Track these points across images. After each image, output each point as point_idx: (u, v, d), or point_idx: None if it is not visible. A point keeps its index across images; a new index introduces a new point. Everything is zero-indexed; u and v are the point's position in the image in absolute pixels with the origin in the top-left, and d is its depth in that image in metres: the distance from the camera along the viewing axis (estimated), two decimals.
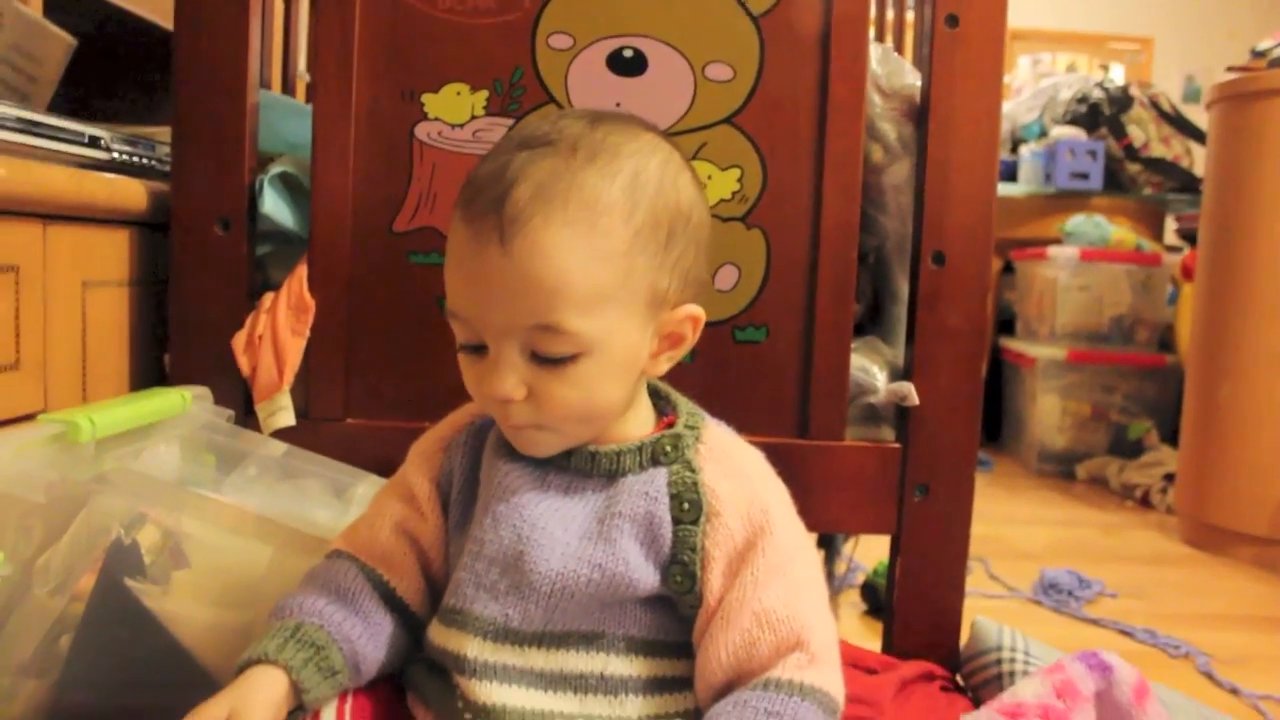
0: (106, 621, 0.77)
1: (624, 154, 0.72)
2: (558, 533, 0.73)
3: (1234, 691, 1.43)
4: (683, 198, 0.75)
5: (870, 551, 1.75)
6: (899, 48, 1.58)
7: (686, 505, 0.74)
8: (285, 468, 0.98)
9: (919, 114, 1.12)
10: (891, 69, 1.13)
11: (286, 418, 1.06)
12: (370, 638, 0.75)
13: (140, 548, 0.81)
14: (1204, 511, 2.26)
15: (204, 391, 1.04)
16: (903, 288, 1.16)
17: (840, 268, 1.09)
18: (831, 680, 0.71)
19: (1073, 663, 0.74)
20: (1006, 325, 3.37)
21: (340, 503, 0.96)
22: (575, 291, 0.69)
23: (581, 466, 0.76)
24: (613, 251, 0.70)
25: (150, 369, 1.14)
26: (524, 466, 0.76)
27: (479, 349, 0.73)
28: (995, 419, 3.32)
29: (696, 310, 0.77)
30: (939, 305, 1.09)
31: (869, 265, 1.21)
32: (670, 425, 0.79)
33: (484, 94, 1.08)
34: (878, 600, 1.71)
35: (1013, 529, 2.35)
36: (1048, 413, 3.03)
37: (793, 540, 0.75)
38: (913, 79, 1.13)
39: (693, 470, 0.75)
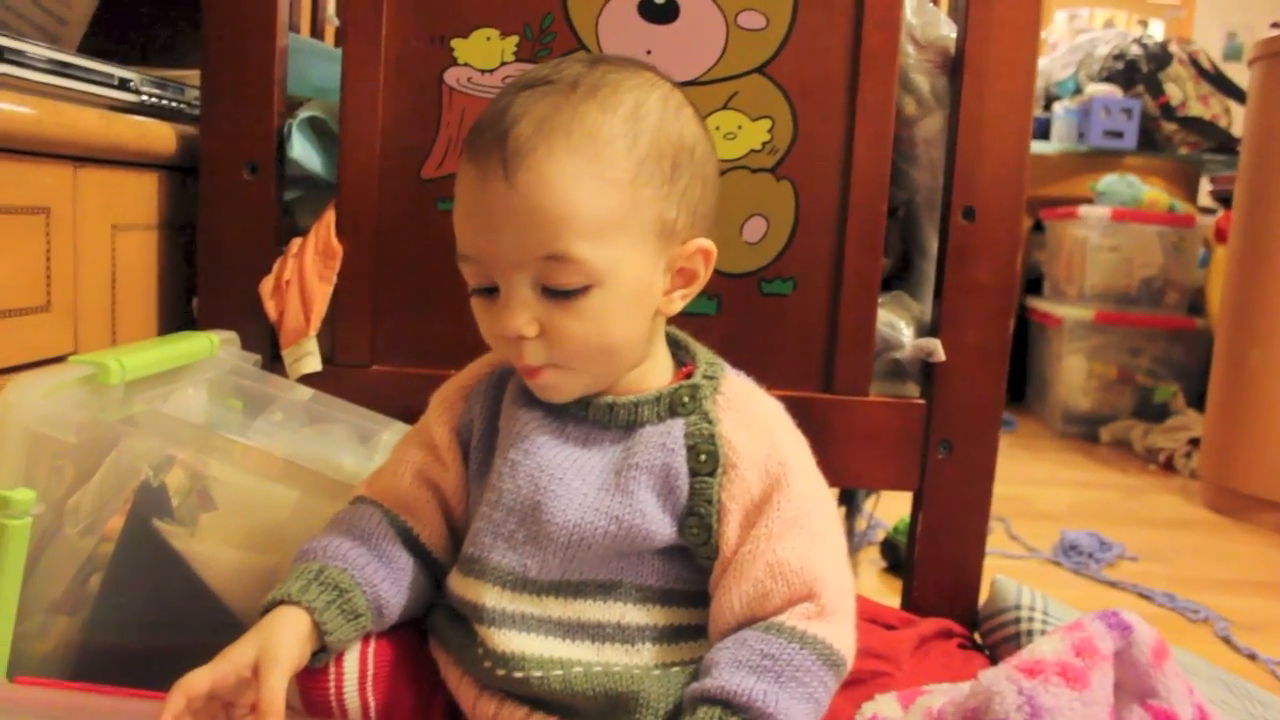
0: (135, 562, 0.79)
1: (624, 88, 0.72)
2: (575, 483, 0.73)
3: (1252, 657, 1.43)
4: (686, 131, 0.75)
5: (891, 509, 1.75)
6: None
7: (703, 457, 0.74)
8: (311, 413, 0.99)
9: (953, 66, 1.10)
10: (927, 20, 1.11)
11: (313, 363, 1.07)
12: (393, 582, 0.76)
13: (168, 490, 0.82)
14: (1228, 477, 2.24)
15: (231, 336, 1.05)
16: (932, 243, 1.15)
17: (869, 221, 1.07)
18: (838, 634, 0.71)
19: (1092, 621, 0.74)
20: (1034, 285, 3.34)
21: (365, 449, 0.97)
22: (582, 219, 0.69)
23: (599, 418, 0.76)
24: (617, 180, 0.70)
25: (179, 313, 1.15)
26: (542, 416, 0.76)
27: (490, 291, 0.73)
28: (1020, 379, 3.30)
29: (707, 243, 0.76)
30: (968, 261, 1.08)
31: (898, 219, 1.20)
32: (689, 376, 0.79)
33: (514, 39, 1.07)
34: (897, 557, 1.71)
35: (1034, 490, 2.34)
36: (1073, 374, 3.00)
37: (811, 492, 0.75)
38: (948, 30, 1.11)
39: (710, 421, 0.75)
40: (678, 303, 0.77)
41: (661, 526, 0.73)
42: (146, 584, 0.79)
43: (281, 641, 0.69)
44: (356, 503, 0.80)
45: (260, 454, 0.86)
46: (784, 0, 1.06)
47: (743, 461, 0.74)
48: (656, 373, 0.79)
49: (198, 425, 0.88)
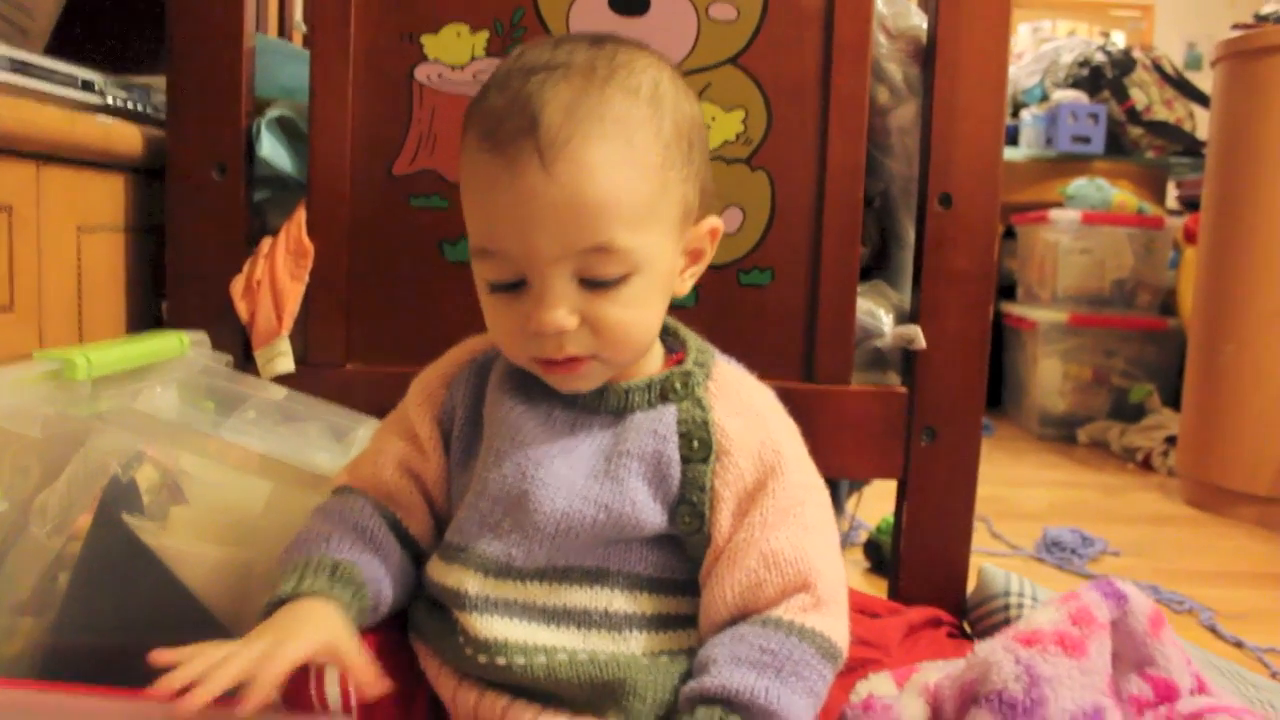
0: (104, 558, 0.76)
1: (638, 70, 0.71)
2: (563, 471, 0.72)
3: (1238, 645, 1.43)
4: (695, 108, 0.75)
5: (874, 509, 1.74)
6: None
7: (696, 444, 0.73)
8: (285, 411, 0.97)
9: (925, 54, 1.11)
10: (897, 9, 1.11)
11: (286, 363, 1.05)
12: (391, 577, 0.75)
13: (138, 485, 0.80)
14: (1206, 472, 2.25)
15: (201, 336, 1.04)
16: (909, 232, 1.15)
17: (846, 210, 1.07)
18: (834, 626, 0.70)
19: (1087, 591, 0.73)
20: (1007, 290, 3.35)
21: (340, 446, 0.95)
22: (624, 208, 0.67)
23: (588, 403, 0.74)
24: (650, 165, 0.69)
25: (147, 316, 1.13)
26: (528, 403, 0.75)
27: (515, 286, 0.70)
28: (996, 384, 3.30)
29: (717, 222, 0.76)
30: (946, 248, 1.08)
31: (875, 209, 1.20)
32: (679, 362, 0.77)
33: (484, 35, 1.06)
34: (881, 557, 1.70)
35: (1015, 490, 2.34)
36: (1049, 376, 3.01)
37: (804, 481, 0.74)
38: (919, 20, 1.12)
39: (703, 408, 0.74)
40: (688, 282, 0.77)
41: (652, 515, 0.72)
42: (116, 581, 0.77)
43: (343, 634, 0.66)
44: (344, 493, 0.78)
45: (234, 448, 0.84)
46: None
47: (736, 448, 0.73)
48: (649, 358, 0.77)
49: (169, 421, 0.86)
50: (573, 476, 0.72)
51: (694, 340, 0.80)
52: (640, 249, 0.69)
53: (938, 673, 0.78)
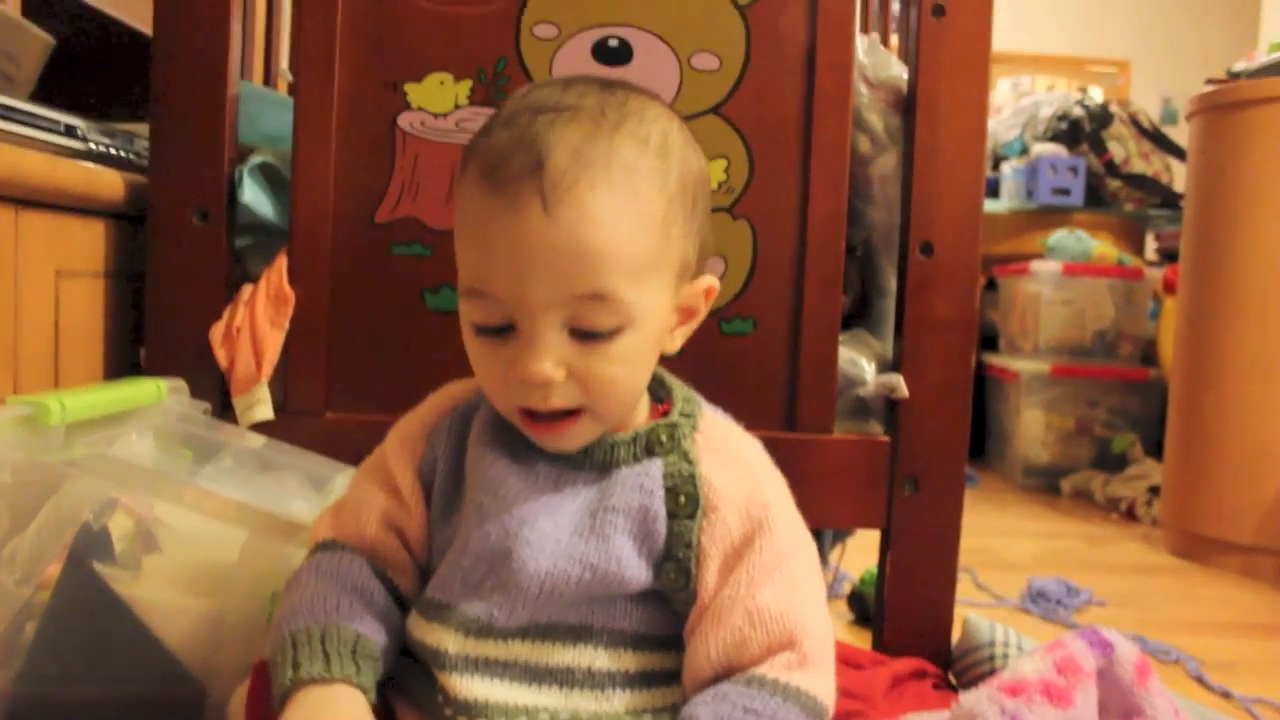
0: (73, 606, 0.75)
1: (648, 119, 0.70)
2: (548, 529, 0.70)
3: (1226, 695, 1.42)
4: (700, 162, 0.74)
5: (857, 561, 1.73)
6: (884, 43, 1.58)
7: (683, 499, 0.71)
8: (262, 460, 0.96)
9: (906, 104, 1.12)
10: (878, 60, 1.12)
11: (265, 411, 1.04)
12: (392, 645, 0.72)
13: (110, 533, 0.78)
14: (1190, 521, 2.25)
15: (179, 384, 1.02)
16: (891, 280, 1.15)
17: (828, 259, 1.07)
18: (820, 684, 0.68)
19: (1073, 639, 0.72)
20: (989, 341, 3.37)
21: (319, 495, 0.94)
22: (624, 258, 0.66)
23: (574, 457, 0.73)
24: (653, 218, 0.68)
25: (125, 365, 1.12)
26: (511, 456, 0.73)
27: (503, 330, 0.68)
28: (980, 435, 3.31)
29: (713, 281, 0.75)
30: (927, 295, 1.08)
31: (856, 258, 1.20)
32: (665, 413, 0.76)
33: (468, 83, 1.07)
34: (865, 610, 1.68)
35: (999, 540, 2.33)
36: (1031, 427, 3.02)
37: (791, 536, 0.73)
38: (899, 70, 1.13)
39: (689, 461, 0.72)
40: (678, 340, 0.75)
41: (637, 572, 0.70)
42: (85, 631, 0.75)
43: None
44: (335, 550, 0.75)
45: (209, 495, 0.83)
46: (737, 42, 1.07)
47: (724, 504, 0.71)
48: (635, 410, 0.76)
49: (143, 468, 0.85)
50: (557, 534, 0.70)
51: (680, 389, 0.78)
52: (635, 302, 0.67)
53: None
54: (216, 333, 1.05)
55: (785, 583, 0.70)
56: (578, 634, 0.71)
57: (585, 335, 0.67)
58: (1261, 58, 2.30)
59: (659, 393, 0.79)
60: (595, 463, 0.72)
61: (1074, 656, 0.71)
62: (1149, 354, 3.11)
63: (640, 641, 0.72)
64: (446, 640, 0.70)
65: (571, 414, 0.69)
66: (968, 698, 0.71)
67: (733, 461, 0.74)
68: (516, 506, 0.70)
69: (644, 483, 0.72)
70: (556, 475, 0.72)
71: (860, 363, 1.11)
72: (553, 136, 0.66)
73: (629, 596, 0.72)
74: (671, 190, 0.69)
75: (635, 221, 0.66)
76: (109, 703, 0.75)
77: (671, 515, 0.71)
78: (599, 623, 0.71)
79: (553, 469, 0.73)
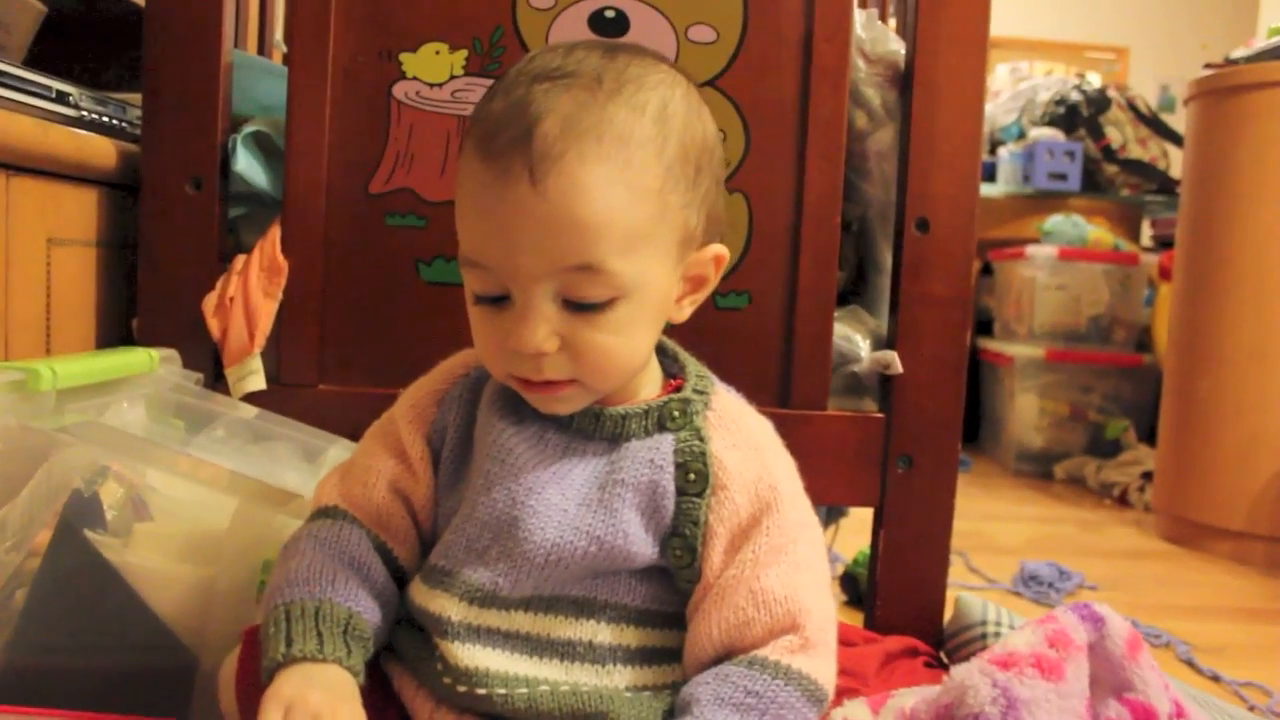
0: (63, 574, 0.74)
1: (648, 85, 0.68)
2: (555, 499, 0.69)
3: (1215, 679, 1.42)
4: (707, 130, 0.72)
5: (849, 542, 1.73)
6: (882, 18, 1.57)
7: (692, 476, 0.71)
8: (255, 430, 0.96)
9: (903, 79, 1.11)
10: (876, 35, 1.12)
11: (257, 382, 1.04)
12: (385, 616, 0.72)
13: (101, 500, 0.78)
14: (1182, 507, 2.25)
15: (172, 354, 1.02)
16: (886, 257, 1.15)
17: (823, 234, 1.07)
18: (822, 669, 0.68)
19: (1065, 613, 0.72)
20: (984, 326, 3.37)
21: (311, 466, 0.94)
22: (614, 230, 0.65)
23: (584, 427, 0.72)
24: (648, 188, 0.67)
25: (117, 335, 1.11)
26: (521, 426, 0.72)
27: (499, 300, 0.68)
28: (973, 420, 3.31)
29: (722, 250, 0.74)
30: (923, 272, 1.08)
31: (852, 234, 1.20)
32: (678, 388, 0.75)
33: (463, 53, 1.06)
34: (858, 591, 1.68)
35: (992, 525, 2.34)
36: (1026, 412, 3.02)
37: (799, 519, 0.72)
38: (897, 45, 1.12)
39: (701, 439, 0.72)
40: (687, 309, 0.75)
41: (643, 547, 0.70)
42: (76, 598, 0.75)
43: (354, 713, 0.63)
44: (336, 518, 0.74)
45: (201, 464, 0.82)
46: (734, 14, 1.06)
47: (733, 483, 0.71)
48: (646, 383, 0.75)
49: (135, 436, 0.85)
50: (565, 505, 0.69)
51: (693, 366, 0.78)
52: (629, 273, 0.66)
53: (914, 697, 0.77)
54: (209, 303, 1.05)
55: (791, 565, 0.70)
56: (581, 607, 0.71)
57: (578, 306, 0.67)
58: (1260, 44, 2.29)
59: (671, 368, 0.78)
60: (606, 434, 0.72)
61: (1066, 630, 0.71)
62: (1144, 340, 3.11)
63: (643, 618, 0.72)
64: (449, 608, 0.70)
65: (565, 381, 0.69)
66: (959, 670, 0.71)
67: (744, 441, 0.73)
68: (524, 475, 0.70)
69: (654, 457, 0.71)
70: (566, 445, 0.72)
71: (855, 339, 1.10)
72: (544, 105, 0.65)
73: (633, 572, 0.71)
74: (670, 158, 0.68)
75: (627, 193, 0.66)
76: (100, 671, 0.75)
77: (680, 492, 0.71)
78: (602, 597, 0.71)
79: (562, 438, 0.72)
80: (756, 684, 0.65)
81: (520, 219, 0.65)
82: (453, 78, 1.06)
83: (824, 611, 0.70)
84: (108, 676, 0.75)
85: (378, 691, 0.72)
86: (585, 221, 0.64)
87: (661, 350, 0.78)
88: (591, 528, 0.69)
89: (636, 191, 0.66)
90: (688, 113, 0.70)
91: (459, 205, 0.70)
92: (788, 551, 0.70)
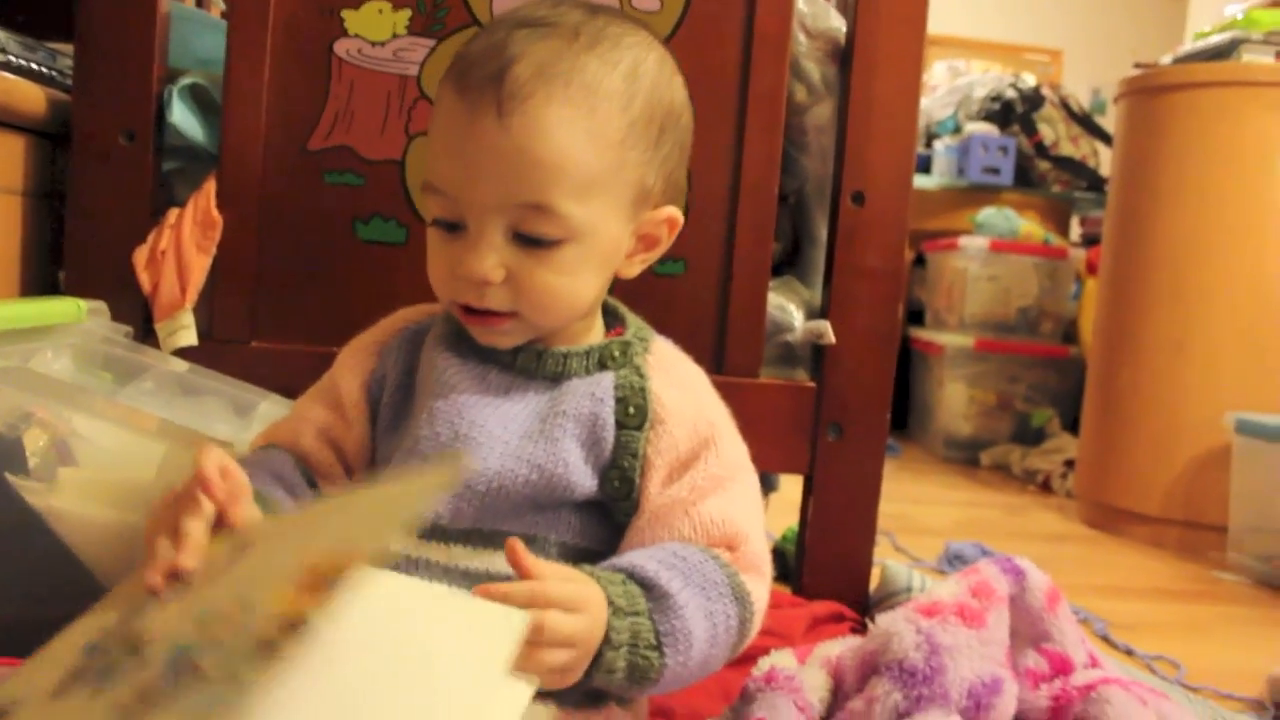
0: None
1: (624, 45, 0.72)
2: (497, 430, 0.71)
3: (1129, 652, 1.47)
4: (676, 97, 0.75)
5: (777, 521, 1.75)
6: None
7: (632, 410, 0.73)
8: (185, 384, 0.95)
9: (843, 55, 1.13)
10: (817, 10, 1.13)
11: (188, 337, 1.02)
12: None
13: (23, 445, 0.76)
14: (1101, 493, 2.31)
15: (100, 306, 1.00)
16: (822, 230, 1.17)
17: (760, 204, 1.08)
18: (752, 581, 0.70)
19: (987, 565, 0.74)
20: (916, 316, 3.43)
21: (243, 420, 0.93)
22: (570, 173, 0.68)
23: (526, 366, 0.74)
24: (609, 139, 0.69)
25: (43, 286, 1.09)
26: (465, 364, 0.74)
27: (455, 227, 0.71)
28: (903, 407, 3.37)
29: (676, 213, 0.76)
30: (857, 244, 1.10)
31: (789, 206, 1.21)
32: (619, 335, 0.78)
33: (406, 13, 1.06)
34: (786, 566, 1.70)
35: (919, 508, 2.37)
36: (954, 400, 3.08)
37: (736, 460, 0.75)
38: (838, 22, 1.14)
39: (641, 375, 0.75)
40: (637, 267, 0.77)
41: (583, 478, 0.72)
42: None
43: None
44: (265, 450, 0.76)
45: (129, 410, 0.81)
46: None
47: (671, 418, 0.73)
48: (589, 331, 0.78)
49: (62, 381, 0.83)
50: (506, 436, 0.71)
51: (633, 319, 0.81)
52: (579, 218, 0.69)
53: (840, 645, 0.78)
54: (140, 256, 1.03)
55: (729, 497, 0.73)
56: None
57: (528, 241, 0.69)
58: (1185, 49, 2.36)
59: (612, 321, 0.81)
60: (547, 373, 0.74)
61: (988, 581, 0.73)
62: (1070, 332, 3.19)
63: (584, 555, 0.73)
64: None
65: (506, 314, 0.71)
66: (884, 619, 0.73)
67: (682, 382, 0.76)
68: (467, 410, 0.72)
69: (595, 391, 0.73)
70: (509, 383, 0.74)
71: (789, 309, 1.12)
72: (521, 49, 0.69)
73: (573, 508, 0.73)
74: (634, 115, 0.71)
75: (587, 139, 0.68)
76: (19, 623, 0.73)
77: (620, 425, 0.73)
78: (542, 534, 0.72)
79: (505, 376, 0.74)
80: (685, 552, 0.68)
81: (483, 151, 0.68)
82: (395, 37, 1.05)
83: (760, 544, 0.73)
84: (29, 628, 0.74)
85: None
86: (543, 160, 0.67)
87: (605, 308, 0.81)
88: (532, 456, 0.71)
89: (597, 140, 0.69)
90: (658, 76, 0.73)
91: (430, 135, 0.73)
92: (726, 486, 0.73)
